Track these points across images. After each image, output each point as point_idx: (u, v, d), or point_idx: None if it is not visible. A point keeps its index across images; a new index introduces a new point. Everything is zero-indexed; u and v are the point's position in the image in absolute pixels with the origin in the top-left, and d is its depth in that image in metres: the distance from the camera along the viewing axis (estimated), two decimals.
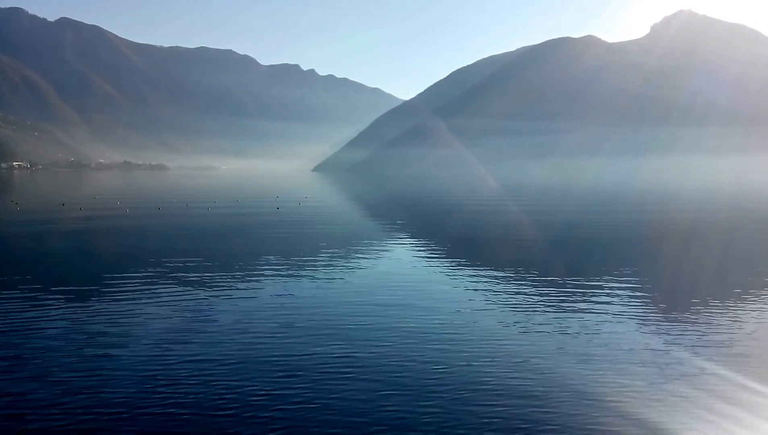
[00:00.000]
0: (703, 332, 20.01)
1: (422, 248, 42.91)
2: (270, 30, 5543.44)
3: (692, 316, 22.19)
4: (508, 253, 41.22)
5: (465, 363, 16.87)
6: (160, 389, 14.64)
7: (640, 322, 21.50)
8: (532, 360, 17.14)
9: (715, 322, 21.39)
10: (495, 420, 13.16)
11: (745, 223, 66.15)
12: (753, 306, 23.94)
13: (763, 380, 15.53)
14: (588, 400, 14.25)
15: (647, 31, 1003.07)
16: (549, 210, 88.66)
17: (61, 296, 24.82)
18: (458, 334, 19.79)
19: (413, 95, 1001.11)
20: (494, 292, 26.65)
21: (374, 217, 74.55)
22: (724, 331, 20.21)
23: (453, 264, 35.27)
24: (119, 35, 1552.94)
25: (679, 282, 30.36)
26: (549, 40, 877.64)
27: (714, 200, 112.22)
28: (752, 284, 28.46)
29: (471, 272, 32.07)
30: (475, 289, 27.23)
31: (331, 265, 33.40)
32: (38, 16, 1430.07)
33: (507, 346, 18.44)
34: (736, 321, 21.50)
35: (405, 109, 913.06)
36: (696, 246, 45.48)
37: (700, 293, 26.47)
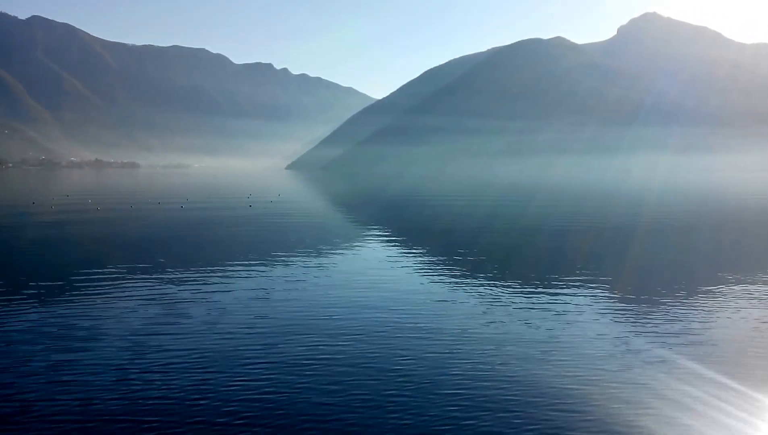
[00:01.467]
0: (666, 325, 20.56)
1: (393, 245, 43.29)
2: (243, 29, 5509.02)
3: (654, 311, 22.65)
4: (477, 249, 41.14)
5: (433, 354, 17.42)
6: (132, 385, 14.87)
7: (605, 316, 21.95)
8: (497, 352, 17.63)
9: (677, 316, 21.92)
10: (459, 413, 13.43)
11: (706, 220, 66.97)
12: (711, 300, 24.57)
13: (722, 369, 16.25)
14: (552, 390, 14.66)
15: (614, 33, 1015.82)
16: (517, 206, 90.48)
17: (32, 294, 24.69)
18: (425, 328, 20.17)
19: (386, 94, 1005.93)
20: (463, 287, 27.16)
21: (346, 215, 75.04)
22: (687, 324, 20.79)
23: (422, 260, 35.67)
24: (91, 33, 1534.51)
25: (640, 277, 30.62)
26: (519, 41, 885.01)
27: (677, 198, 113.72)
28: (709, 279, 29.15)
29: (440, 268, 32.74)
30: (444, 284, 27.85)
31: (302, 262, 33.41)
32: (9, 14, 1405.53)
33: (473, 340, 18.77)
34: (698, 314, 22.15)
35: (378, 107, 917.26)
36: (659, 242, 46.09)
37: (661, 288, 26.78)
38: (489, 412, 13.45)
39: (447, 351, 17.80)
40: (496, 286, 27.25)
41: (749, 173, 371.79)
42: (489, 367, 16.40)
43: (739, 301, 24.40)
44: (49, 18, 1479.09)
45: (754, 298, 24.85)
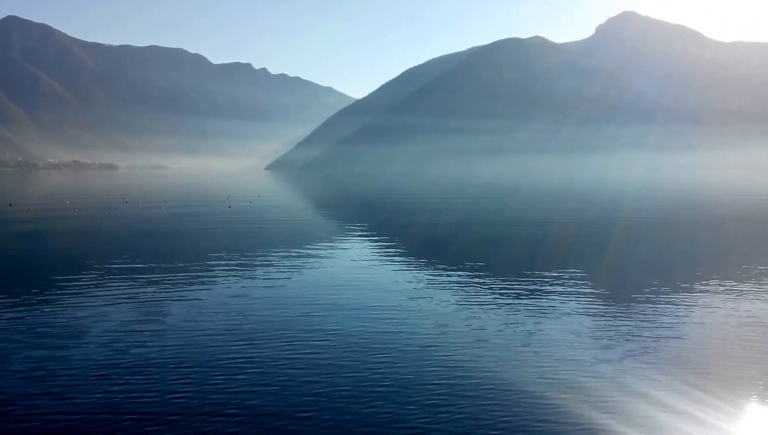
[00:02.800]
0: (643, 323, 20.61)
1: (371, 245, 43.13)
2: (222, 29, 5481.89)
3: (631, 308, 22.82)
4: (456, 248, 41.29)
5: (410, 353, 17.45)
6: (111, 387, 14.75)
7: (582, 314, 22.01)
8: (474, 349, 17.69)
9: (654, 313, 21.95)
10: (437, 411, 13.45)
11: (682, 217, 67.13)
12: (687, 297, 24.65)
13: (698, 368, 16.31)
14: (527, 387, 14.70)
15: (592, 32, 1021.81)
16: (496, 206, 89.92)
17: (10, 295, 24.70)
18: (403, 326, 20.22)
19: (366, 94, 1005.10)
20: (441, 285, 27.26)
21: (326, 215, 74.74)
22: (664, 321, 20.85)
23: (401, 259, 35.62)
24: (68, 34, 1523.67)
25: (616, 275, 30.87)
26: (498, 41, 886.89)
27: (654, 196, 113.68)
28: (685, 276, 29.44)
29: (418, 266, 32.88)
30: (422, 282, 28.04)
31: (281, 262, 33.43)
32: None
33: (451, 339, 18.82)
34: (675, 312, 22.19)
35: (358, 107, 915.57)
36: (635, 240, 46.18)
37: (637, 286, 27.03)
38: (465, 409, 13.47)
39: (425, 347, 17.92)
40: (474, 285, 27.44)
41: (728, 170, 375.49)
42: (466, 364, 16.40)
43: (715, 297, 24.49)
44: (26, 18, 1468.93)
45: (731, 294, 24.98)
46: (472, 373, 15.66)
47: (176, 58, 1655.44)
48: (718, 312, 22.18)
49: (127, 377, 15.36)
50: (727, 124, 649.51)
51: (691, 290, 25.91)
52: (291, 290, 26.24)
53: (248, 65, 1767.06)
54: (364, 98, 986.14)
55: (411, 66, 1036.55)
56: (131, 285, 26.97)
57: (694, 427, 12.74)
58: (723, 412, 13.45)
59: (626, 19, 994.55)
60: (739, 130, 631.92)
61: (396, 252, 39.05)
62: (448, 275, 29.82)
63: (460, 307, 23.04)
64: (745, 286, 26.67)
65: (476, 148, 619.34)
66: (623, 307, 23.07)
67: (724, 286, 26.75)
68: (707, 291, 25.74)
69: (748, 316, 21.47)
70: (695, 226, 58.84)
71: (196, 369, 15.97)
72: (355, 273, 30.60)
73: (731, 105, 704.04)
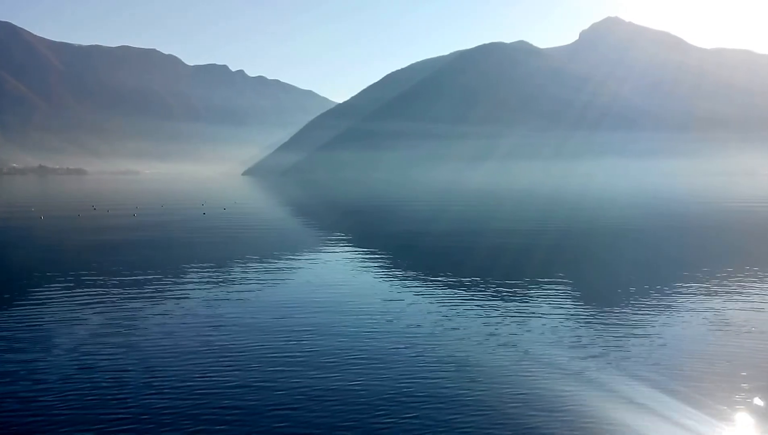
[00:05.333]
0: (626, 327, 20.89)
1: (353, 254, 41.80)
2: (196, 29, 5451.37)
3: (613, 313, 23.00)
4: (443, 256, 40.81)
5: (391, 356, 17.54)
6: (78, 397, 14.64)
7: (564, 318, 22.14)
8: (456, 353, 17.91)
9: (636, 318, 22.28)
10: (420, 413, 13.64)
11: (663, 223, 67.49)
12: (667, 301, 25.07)
13: (680, 372, 16.42)
14: (510, 390, 14.87)
15: (576, 37, 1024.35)
16: (483, 213, 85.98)
17: None
18: (382, 332, 20.26)
19: (347, 98, 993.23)
20: (425, 293, 26.88)
21: (305, 223, 72.79)
22: (646, 325, 21.17)
23: (384, 268, 34.68)
24: (34, 33, 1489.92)
25: (600, 281, 31.18)
26: (482, 45, 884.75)
27: (638, 203, 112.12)
28: (667, 282, 29.28)
29: (403, 276, 31.73)
30: (404, 288, 27.95)
31: (257, 272, 32.73)
32: None
33: (433, 343, 18.98)
34: (656, 316, 22.46)
35: (339, 111, 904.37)
36: (618, 247, 46.81)
37: (620, 292, 27.11)
38: (446, 414, 13.76)
39: (407, 354, 18.16)
40: (458, 292, 27.43)
41: (711, 177, 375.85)
42: (449, 370, 16.75)
43: (697, 302, 24.93)
44: None
45: (713, 300, 25.52)
46: (455, 380, 15.94)
47: (149, 59, 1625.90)
48: (700, 317, 22.63)
49: (95, 388, 15.37)
50: (710, 131, 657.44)
51: (673, 295, 26.48)
52: (265, 300, 25.90)
53: (224, 67, 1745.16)
54: (345, 102, 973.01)
55: (394, 70, 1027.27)
56: (99, 296, 26.42)
57: (674, 431, 13.15)
58: (703, 417, 13.77)
59: (610, 24, 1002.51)
60: (723, 138, 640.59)
61: (377, 261, 38.12)
62: (432, 282, 29.78)
63: (444, 314, 23.13)
64: (725, 291, 27.25)
65: (461, 154, 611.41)
66: (606, 312, 23.44)
67: (705, 291, 27.42)
68: (689, 296, 26.34)
69: (730, 321, 21.99)
70: (677, 232, 58.56)
71: (166, 379, 16.03)
72: (336, 283, 29.93)
73: (714, 112, 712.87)
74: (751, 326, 21.08)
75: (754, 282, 29.35)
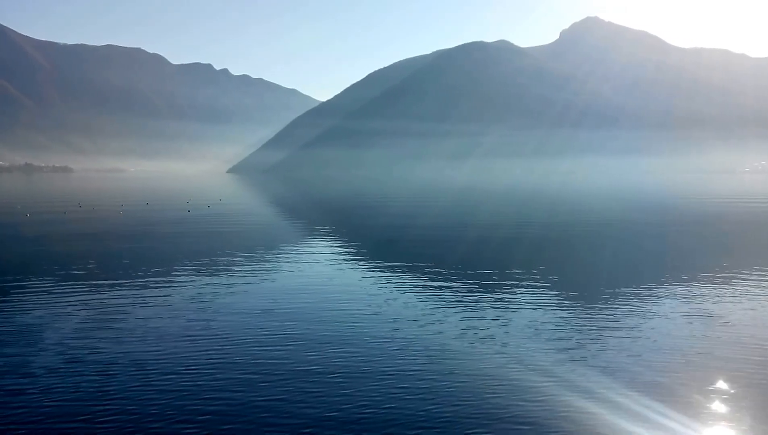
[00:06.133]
0: (604, 324, 20.74)
1: (336, 248, 42.50)
2: (181, 28, 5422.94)
3: (591, 311, 22.75)
4: (423, 251, 40.63)
5: (374, 357, 17.26)
6: (65, 393, 14.57)
7: (544, 315, 21.89)
8: (434, 350, 17.75)
9: (614, 314, 22.13)
10: (403, 410, 13.57)
11: (642, 220, 66.77)
12: (642, 298, 24.79)
13: (660, 371, 16.21)
14: (489, 388, 14.69)
15: (557, 36, 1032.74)
16: (467, 210, 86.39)
17: None
18: (367, 330, 19.95)
19: (331, 96, 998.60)
20: (407, 289, 26.98)
21: (289, 220, 72.45)
22: (623, 322, 21.01)
23: (365, 263, 35.10)
24: (20, 32, 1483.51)
25: (580, 278, 30.85)
26: (464, 44, 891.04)
27: (617, 199, 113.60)
28: (643, 278, 29.25)
29: (383, 271, 31.94)
30: (387, 287, 27.45)
31: (243, 268, 32.67)
32: None
33: (415, 339, 18.91)
34: (635, 313, 22.27)
35: (322, 110, 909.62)
36: (598, 244, 46.63)
37: (599, 288, 27.28)
38: (423, 404, 13.89)
39: (387, 347, 18.21)
40: (440, 287, 27.44)
41: (689, 174, 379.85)
42: (426, 361, 16.92)
43: (674, 298, 24.80)
44: None
45: (690, 294, 25.44)
46: (433, 372, 16.00)
47: (134, 58, 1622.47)
48: (676, 310, 22.64)
49: (82, 381, 15.34)
50: (688, 129, 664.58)
51: (649, 289, 26.40)
52: (250, 294, 25.89)
53: (209, 66, 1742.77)
54: (329, 101, 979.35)
55: (376, 68, 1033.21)
56: (84, 292, 26.13)
57: (649, 422, 13.12)
58: (679, 408, 13.79)
59: (590, 24, 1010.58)
60: (700, 136, 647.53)
61: (359, 256, 38.75)
62: (412, 277, 29.91)
63: (424, 307, 23.23)
64: (702, 285, 27.37)
65: (443, 152, 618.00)
66: (584, 306, 23.48)
67: (682, 285, 27.42)
68: (665, 290, 26.40)
69: (707, 314, 22.07)
70: (655, 228, 59.22)
71: (152, 371, 16.03)
72: (318, 278, 30.02)
73: (693, 111, 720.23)
74: (727, 319, 21.41)
75: (731, 276, 29.64)
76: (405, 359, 16.90)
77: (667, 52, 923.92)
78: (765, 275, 29.91)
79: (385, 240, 49.15)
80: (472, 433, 12.58)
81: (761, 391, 14.79)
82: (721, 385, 15.14)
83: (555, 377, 15.45)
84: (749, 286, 27.22)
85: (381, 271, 32.01)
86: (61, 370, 16.09)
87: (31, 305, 23.61)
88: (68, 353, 17.50)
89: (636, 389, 14.69)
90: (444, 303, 23.91)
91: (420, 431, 12.66)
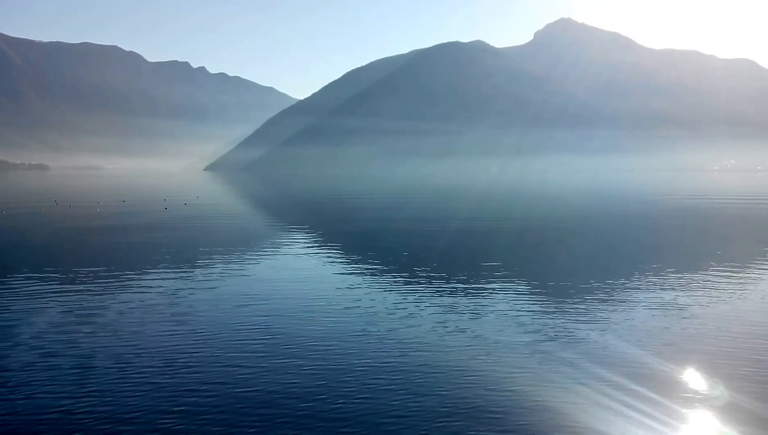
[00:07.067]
0: (583, 319, 20.93)
1: (312, 245, 43.08)
2: (157, 26, 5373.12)
3: (564, 303, 23.36)
4: (398, 247, 41.65)
5: (349, 350, 17.49)
6: (44, 383, 14.66)
7: (521, 312, 22.01)
8: (414, 349, 17.66)
9: (586, 307, 22.67)
10: (377, 402, 13.76)
11: (616, 217, 67.73)
12: (618, 291, 25.49)
13: (639, 366, 16.35)
14: (470, 386, 14.68)
15: (531, 37, 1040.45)
16: (444, 209, 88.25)
17: None
18: (342, 326, 20.23)
19: (308, 95, 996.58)
20: (382, 283, 27.49)
21: (266, 217, 73.78)
22: (602, 317, 21.20)
23: (341, 258, 35.83)
24: None
25: (554, 274, 30.77)
26: (440, 44, 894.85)
27: (591, 197, 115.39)
28: (619, 273, 29.81)
29: (358, 266, 32.63)
30: (363, 281, 27.93)
31: (220, 265, 32.82)
32: None
33: (389, 332, 19.28)
34: (612, 308, 22.62)
35: (299, 108, 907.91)
36: (573, 241, 47.08)
37: (575, 284, 27.48)
38: (397, 395, 14.09)
39: (357, 335, 18.86)
40: (410, 278, 28.21)
41: (662, 173, 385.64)
42: (400, 352, 17.26)
43: (647, 293, 25.19)
44: None
45: (665, 289, 25.89)
46: (408, 363, 16.26)
47: (110, 55, 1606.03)
48: (647, 304, 23.05)
49: (58, 377, 15.28)
50: (661, 129, 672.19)
51: (620, 284, 26.93)
52: (226, 290, 26.08)
53: (186, 63, 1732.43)
54: (306, 99, 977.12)
55: (353, 67, 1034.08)
56: (61, 288, 26.15)
57: (620, 414, 13.21)
58: (649, 399, 13.92)
59: (563, 25, 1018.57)
60: (673, 135, 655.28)
61: (335, 251, 39.39)
62: (389, 273, 30.13)
63: (399, 301, 23.64)
64: (673, 279, 27.95)
65: (424, 151, 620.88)
66: (556, 300, 23.74)
67: (653, 279, 28.03)
68: (636, 284, 27.02)
69: (677, 308, 22.45)
70: (629, 224, 59.93)
71: (128, 365, 16.05)
72: (294, 273, 30.36)
73: (665, 111, 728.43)
74: (693, 310, 21.97)
75: (701, 270, 30.36)
76: (380, 352, 17.24)
77: (639, 53, 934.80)
78: (729, 268, 30.95)
79: (361, 236, 49.88)
80: (445, 423, 12.66)
81: (727, 380, 15.15)
82: (690, 375, 15.62)
83: (525, 369, 15.86)
84: (712, 278, 28.28)
85: (357, 267, 32.40)
86: (37, 364, 16.24)
87: (6, 301, 23.62)
88: (45, 348, 17.62)
89: (604, 380, 15.01)
90: (418, 297, 24.32)
91: (394, 422, 12.75)
